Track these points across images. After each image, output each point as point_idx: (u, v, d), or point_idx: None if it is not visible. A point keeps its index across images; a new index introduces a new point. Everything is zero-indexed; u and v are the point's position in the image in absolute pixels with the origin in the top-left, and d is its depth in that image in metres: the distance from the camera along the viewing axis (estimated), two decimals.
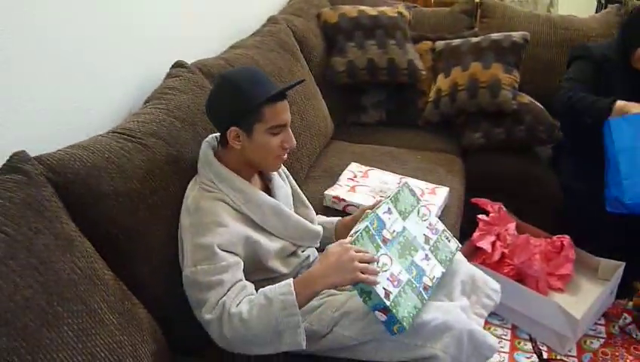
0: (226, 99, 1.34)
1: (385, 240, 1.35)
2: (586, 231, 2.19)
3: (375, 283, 1.24)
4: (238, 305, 1.24)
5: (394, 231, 1.40)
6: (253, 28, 2.36)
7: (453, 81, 2.54)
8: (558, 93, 2.22)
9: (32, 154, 1.16)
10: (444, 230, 1.54)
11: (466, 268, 1.53)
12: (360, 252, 1.26)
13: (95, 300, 1.09)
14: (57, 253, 1.05)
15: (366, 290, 1.25)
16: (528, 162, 2.49)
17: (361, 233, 1.31)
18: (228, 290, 1.25)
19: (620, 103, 2.02)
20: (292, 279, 1.27)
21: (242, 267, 1.31)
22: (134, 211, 1.28)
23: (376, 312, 1.26)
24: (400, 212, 1.45)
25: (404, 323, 1.25)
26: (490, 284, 1.56)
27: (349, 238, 1.31)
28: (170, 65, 1.72)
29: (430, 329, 1.30)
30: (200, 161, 1.40)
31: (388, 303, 1.24)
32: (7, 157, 1.12)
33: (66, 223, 1.12)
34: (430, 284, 1.38)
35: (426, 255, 1.43)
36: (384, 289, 1.25)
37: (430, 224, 1.51)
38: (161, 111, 1.50)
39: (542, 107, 2.47)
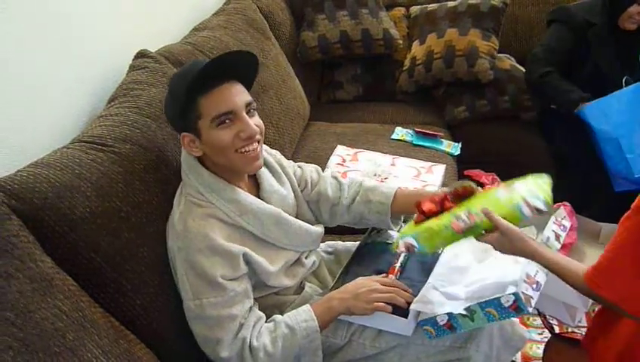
0: (167, 103, 1.20)
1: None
2: (586, 197, 2.12)
3: (387, 310, 1.17)
4: (258, 337, 1.13)
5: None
6: (213, 6, 2.15)
7: (429, 48, 2.40)
8: (531, 63, 2.21)
9: None
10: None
11: None
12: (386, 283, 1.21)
13: (87, 348, 0.91)
14: (36, 299, 0.87)
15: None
16: (517, 129, 2.39)
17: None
18: (241, 324, 1.13)
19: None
20: (309, 305, 1.19)
21: (250, 288, 1.18)
22: (117, 233, 1.10)
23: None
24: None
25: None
26: None
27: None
28: (133, 56, 1.51)
29: None
30: (183, 168, 1.21)
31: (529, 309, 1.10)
32: None
33: (41, 260, 0.93)
34: None
35: None
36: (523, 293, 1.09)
37: None
38: (131, 111, 1.30)
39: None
